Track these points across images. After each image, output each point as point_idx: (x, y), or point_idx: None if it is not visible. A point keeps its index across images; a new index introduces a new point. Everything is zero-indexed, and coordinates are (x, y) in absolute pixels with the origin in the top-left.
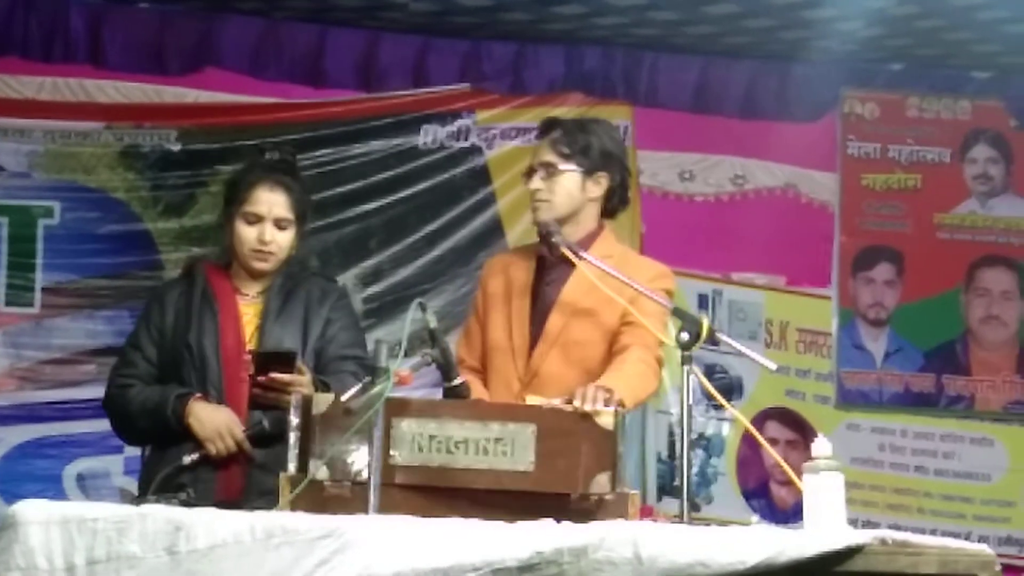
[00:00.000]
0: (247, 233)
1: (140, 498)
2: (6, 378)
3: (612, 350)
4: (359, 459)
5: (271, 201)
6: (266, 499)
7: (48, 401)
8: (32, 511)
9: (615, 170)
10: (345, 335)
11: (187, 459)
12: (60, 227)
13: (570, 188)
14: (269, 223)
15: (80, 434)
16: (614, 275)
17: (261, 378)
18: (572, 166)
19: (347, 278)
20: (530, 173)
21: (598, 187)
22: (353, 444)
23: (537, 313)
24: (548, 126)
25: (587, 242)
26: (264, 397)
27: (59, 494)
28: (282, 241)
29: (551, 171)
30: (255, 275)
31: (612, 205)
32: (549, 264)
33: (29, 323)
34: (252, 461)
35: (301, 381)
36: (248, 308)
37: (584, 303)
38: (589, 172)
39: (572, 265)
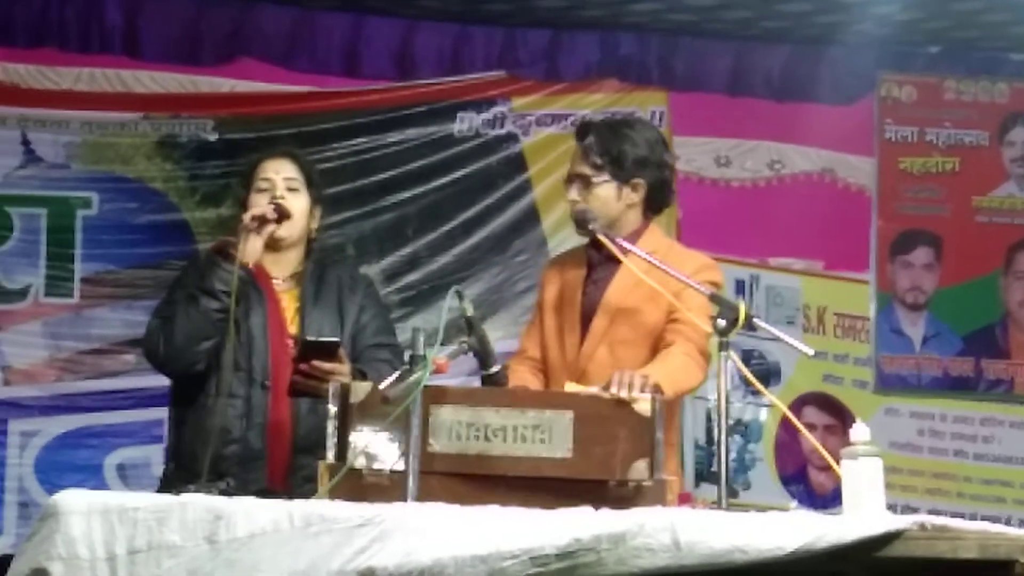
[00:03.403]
0: (260, 199)
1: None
2: (46, 368)
3: (657, 348)
4: (397, 447)
5: (277, 167)
6: (312, 485)
7: (88, 391)
8: (73, 501)
9: (652, 173)
10: (376, 323)
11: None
12: (98, 218)
13: (606, 199)
14: (280, 185)
15: (120, 424)
16: (657, 265)
17: (303, 365)
18: (605, 177)
19: (383, 266)
20: (570, 180)
21: (635, 193)
22: (391, 432)
23: (584, 313)
24: (583, 131)
25: (631, 239)
26: (304, 384)
27: (100, 484)
28: (295, 205)
29: (586, 183)
30: (277, 248)
31: (656, 204)
32: (596, 263)
33: (68, 313)
34: (297, 445)
35: (342, 370)
36: (283, 293)
37: (628, 301)
38: (625, 180)
39: (617, 263)
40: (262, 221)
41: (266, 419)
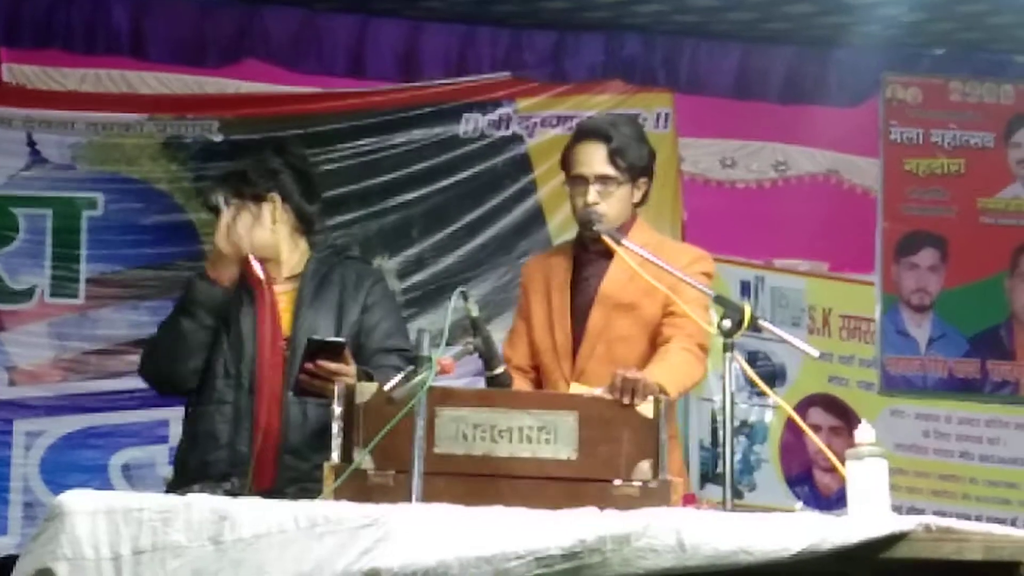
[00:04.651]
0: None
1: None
2: (52, 369)
3: (655, 343)
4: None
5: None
6: (298, 486)
7: (93, 392)
8: (78, 501)
9: (650, 173)
10: (385, 324)
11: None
12: (104, 218)
13: (623, 200)
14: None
15: (125, 424)
16: (653, 261)
17: (309, 365)
18: (625, 179)
19: (388, 266)
20: (585, 180)
21: (639, 191)
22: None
23: (577, 310)
24: (604, 133)
25: (621, 233)
26: (310, 384)
27: (105, 484)
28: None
29: (608, 184)
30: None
31: (644, 199)
32: (585, 260)
33: (74, 314)
34: (284, 446)
35: (348, 371)
36: (283, 295)
37: (624, 296)
38: (634, 181)
39: (609, 259)
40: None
41: (253, 422)
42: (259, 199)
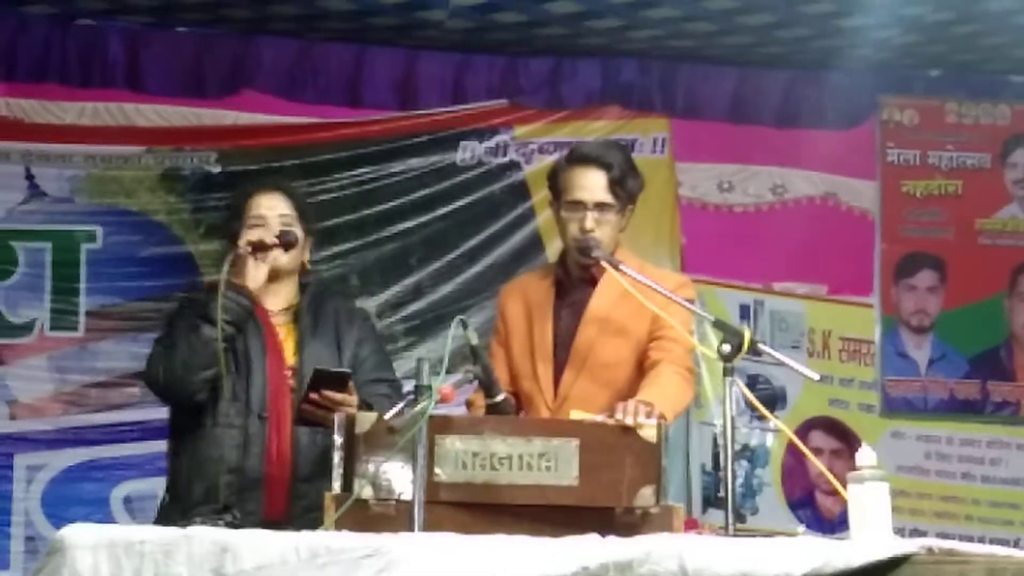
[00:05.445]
0: (252, 236)
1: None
2: (52, 402)
3: (642, 367)
4: (403, 477)
5: (270, 203)
6: (314, 514)
7: (94, 424)
8: (80, 535)
9: (636, 201)
10: (375, 358)
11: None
12: (103, 251)
13: (615, 227)
14: (274, 222)
15: (126, 456)
16: (651, 286)
17: (313, 395)
18: (621, 206)
19: (387, 296)
20: (584, 206)
21: (625, 219)
22: (397, 462)
23: (560, 336)
24: (604, 161)
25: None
26: (313, 414)
27: (107, 517)
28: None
29: (605, 212)
30: (277, 277)
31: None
32: (568, 286)
33: (74, 347)
34: (297, 474)
35: (351, 401)
36: (280, 326)
37: (611, 321)
38: (624, 208)
39: (592, 285)
40: (261, 247)
41: (264, 449)
42: None
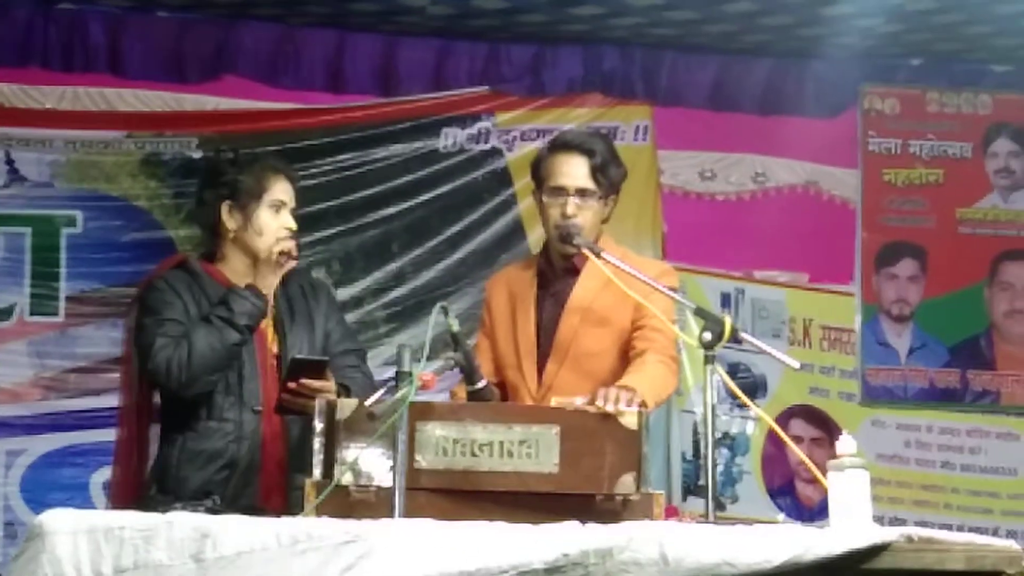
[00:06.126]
0: (269, 219)
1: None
2: (31, 387)
3: (626, 356)
4: (383, 464)
5: (287, 193)
6: None
7: (73, 410)
8: (59, 520)
9: (619, 191)
10: (340, 328)
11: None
12: (83, 236)
13: (597, 215)
14: (288, 216)
15: (106, 442)
16: (634, 274)
17: (291, 384)
18: (603, 193)
19: (368, 282)
20: (566, 192)
21: (608, 209)
22: (378, 449)
23: (544, 325)
24: (587, 147)
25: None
26: (292, 402)
27: (86, 502)
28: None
29: (586, 198)
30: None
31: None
32: (551, 276)
33: (54, 332)
34: (292, 465)
35: (329, 388)
36: None
37: (594, 309)
38: (606, 197)
39: (575, 275)
40: (289, 258)
41: (258, 442)
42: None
